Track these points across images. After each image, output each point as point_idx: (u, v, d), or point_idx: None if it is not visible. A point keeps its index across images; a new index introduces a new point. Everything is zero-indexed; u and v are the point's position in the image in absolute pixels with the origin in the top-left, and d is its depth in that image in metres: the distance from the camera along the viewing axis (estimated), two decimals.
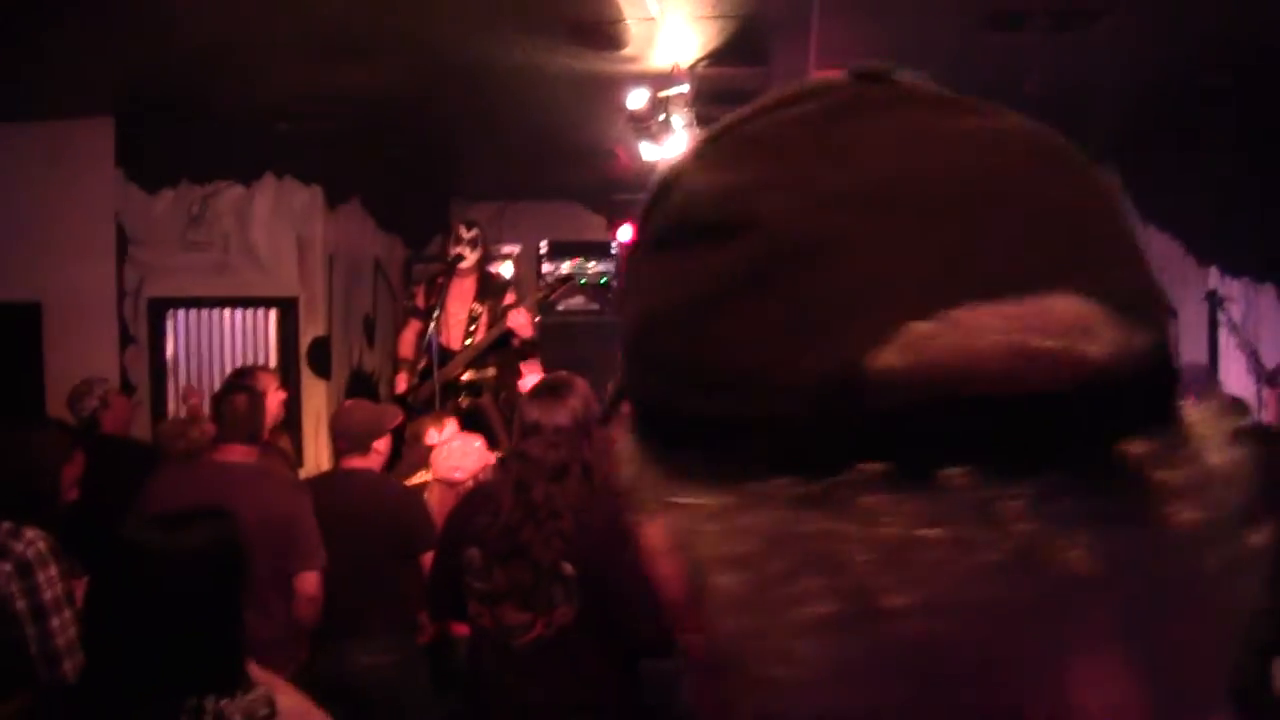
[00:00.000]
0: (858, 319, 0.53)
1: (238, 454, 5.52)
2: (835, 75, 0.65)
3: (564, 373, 4.48)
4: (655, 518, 0.61)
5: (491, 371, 9.30)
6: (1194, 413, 0.60)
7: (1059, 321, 0.53)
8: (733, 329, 0.57)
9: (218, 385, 9.34)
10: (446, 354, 9.34)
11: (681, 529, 0.59)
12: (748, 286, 0.57)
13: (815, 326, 0.54)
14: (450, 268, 9.33)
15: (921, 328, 0.52)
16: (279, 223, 9.68)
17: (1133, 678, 0.54)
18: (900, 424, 0.52)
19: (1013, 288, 0.53)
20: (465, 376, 9.22)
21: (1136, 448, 0.53)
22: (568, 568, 4.11)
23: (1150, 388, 0.56)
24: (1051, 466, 0.52)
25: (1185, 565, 0.55)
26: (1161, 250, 9.96)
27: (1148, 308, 0.57)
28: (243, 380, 6.94)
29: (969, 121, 0.62)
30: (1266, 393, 7.57)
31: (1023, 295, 0.53)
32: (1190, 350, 9.24)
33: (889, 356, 0.52)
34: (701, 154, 0.65)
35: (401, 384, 9.30)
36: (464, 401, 9.17)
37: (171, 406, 9.32)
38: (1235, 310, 8.25)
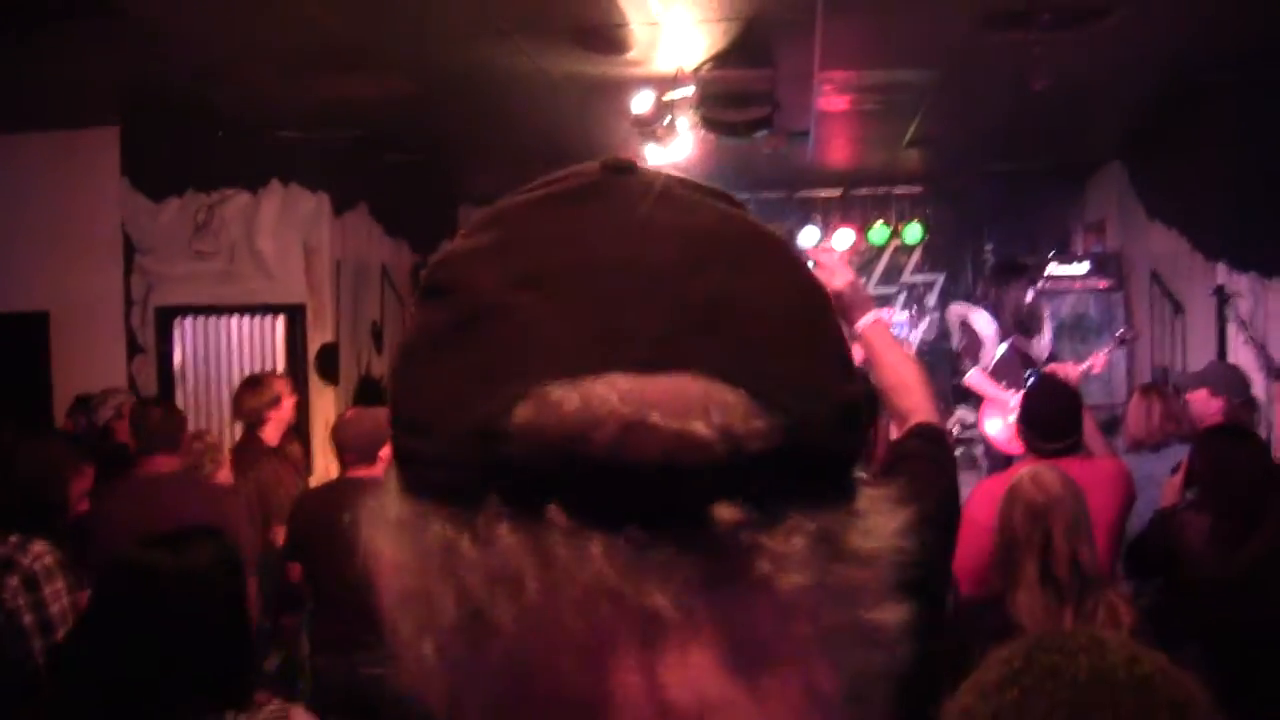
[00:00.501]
0: (509, 379, 0.62)
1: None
2: (590, 165, 0.75)
3: None
4: (374, 522, 0.71)
5: None
6: (869, 496, 0.69)
7: (676, 399, 0.61)
8: (423, 377, 0.67)
9: (225, 393, 9.39)
10: None
11: (381, 533, 0.69)
12: (440, 342, 0.67)
13: (477, 382, 0.63)
14: None
15: (554, 392, 0.61)
16: (285, 230, 9.67)
17: (720, 713, 0.62)
18: (525, 471, 0.61)
19: (648, 366, 0.62)
20: None
21: (728, 514, 0.61)
22: None
23: (780, 466, 0.62)
24: (647, 523, 0.60)
25: (782, 624, 0.63)
26: (1168, 247, 9.95)
27: (795, 397, 0.64)
28: (255, 382, 6.98)
29: (670, 218, 0.70)
30: (1275, 388, 7.55)
31: (655, 373, 0.61)
32: (1198, 346, 9.21)
33: (523, 413, 0.61)
34: (471, 220, 0.76)
35: None
36: None
37: None
38: (1243, 306, 8.23)
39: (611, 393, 0.61)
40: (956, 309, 9.93)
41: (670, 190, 0.72)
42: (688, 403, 0.61)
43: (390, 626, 0.69)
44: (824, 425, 0.65)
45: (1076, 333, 10.94)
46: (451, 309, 0.68)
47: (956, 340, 9.59)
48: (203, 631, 2.59)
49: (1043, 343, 9.24)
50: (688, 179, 0.75)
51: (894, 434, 3.31)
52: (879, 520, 0.68)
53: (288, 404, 6.98)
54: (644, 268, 0.66)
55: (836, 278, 3.31)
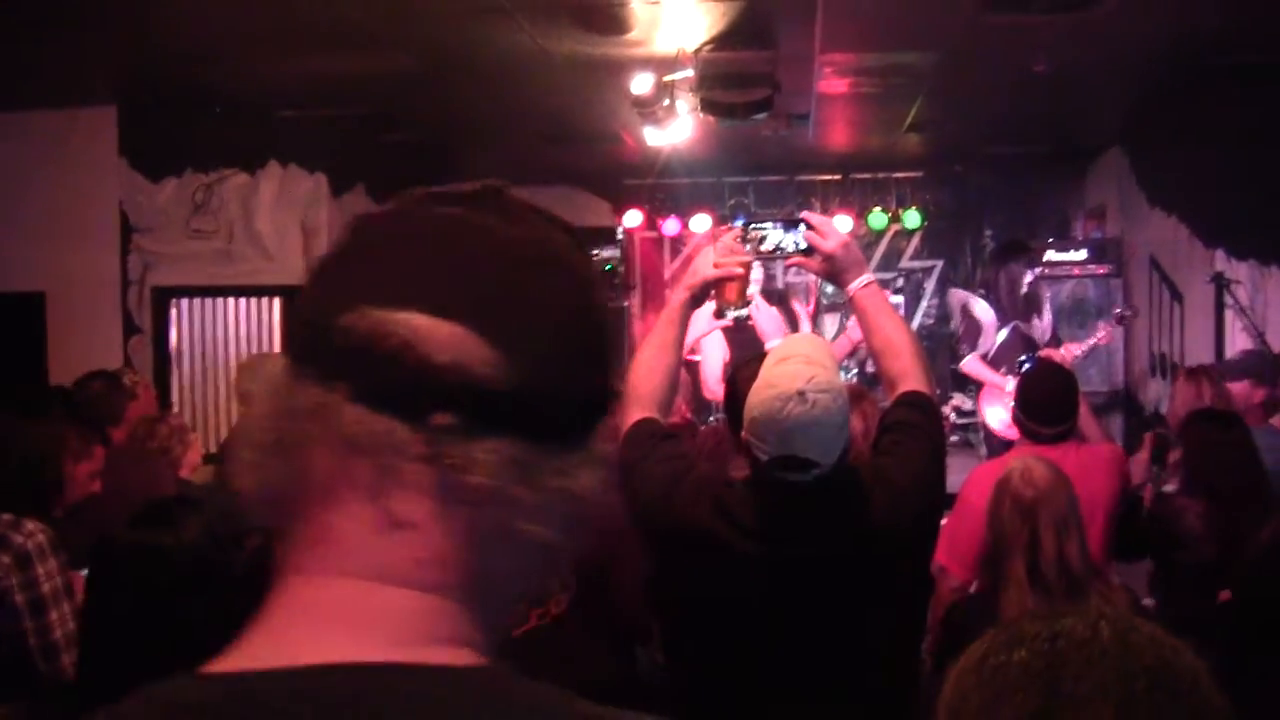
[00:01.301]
0: (348, 295, 0.98)
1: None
2: (476, 184, 1.10)
3: None
4: (261, 366, 1.15)
5: None
6: (586, 454, 1.04)
7: (441, 337, 0.96)
8: (313, 278, 1.04)
9: (223, 374, 9.38)
10: None
11: (260, 374, 1.23)
12: (333, 257, 1.05)
13: (334, 290, 1.00)
14: None
15: (369, 310, 0.96)
16: (283, 210, 9.66)
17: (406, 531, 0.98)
18: (334, 354, 0.96)
19: (436, 312, 0.97)
20: None
21: (443, 419, 0.95)
22: None
23: (501, 405, 0.97)
24: (394, 409, 0.95)
25: (460, 506, 0.98)
26: (1168, 233, 9.93)
27: (532, 365, 0.98)
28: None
29: (503, 227, 1.05)
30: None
31: (438, 317, 0.96)
32: (1197, 333, 9.20)
33: (346, 319, 0.96)
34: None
35: None
36: None
37: (176, 396, 9.32)
38: (1242, 293, 8.21)
39: (400, 321, 0.95)
40: (958, 294, 9.93)
41: (515, 210, 1.07)
42: (445, 342, 0.95)
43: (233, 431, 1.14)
44: (550, 394, 1.00)
45: (1075, 318, 10.93)
46: (348, 238, 1.06)
47: (957, 325, 9.58)
48: (194, 609, 2.57)
49: (1043, 325, 9.23)
50: (545, 210, 1.11)
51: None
52: (580, 472, 1.02)
53: None
54: (464, 248, 1.02)
55: (829, 240, 3.30)
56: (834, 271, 3.33)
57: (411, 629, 0.96)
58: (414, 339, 0.94)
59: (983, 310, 9.20)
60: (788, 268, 7.23)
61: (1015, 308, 9.06)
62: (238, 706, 0.91)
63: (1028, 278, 9.13)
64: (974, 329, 9.12)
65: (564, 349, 1.02)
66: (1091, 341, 8.96)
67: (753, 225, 3.43)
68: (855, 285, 3.30)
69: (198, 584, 2.60)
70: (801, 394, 2.80)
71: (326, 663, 0.91)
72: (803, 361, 2.89)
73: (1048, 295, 9.77)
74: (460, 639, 0.98)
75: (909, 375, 3.22)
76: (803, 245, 3.36)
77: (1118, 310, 9.86)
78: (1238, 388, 6.68)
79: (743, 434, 2.98)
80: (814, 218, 3.36)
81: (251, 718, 0.90)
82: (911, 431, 3.12)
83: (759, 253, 3.42)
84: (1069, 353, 8.44)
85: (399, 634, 0.95)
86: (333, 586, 0.96)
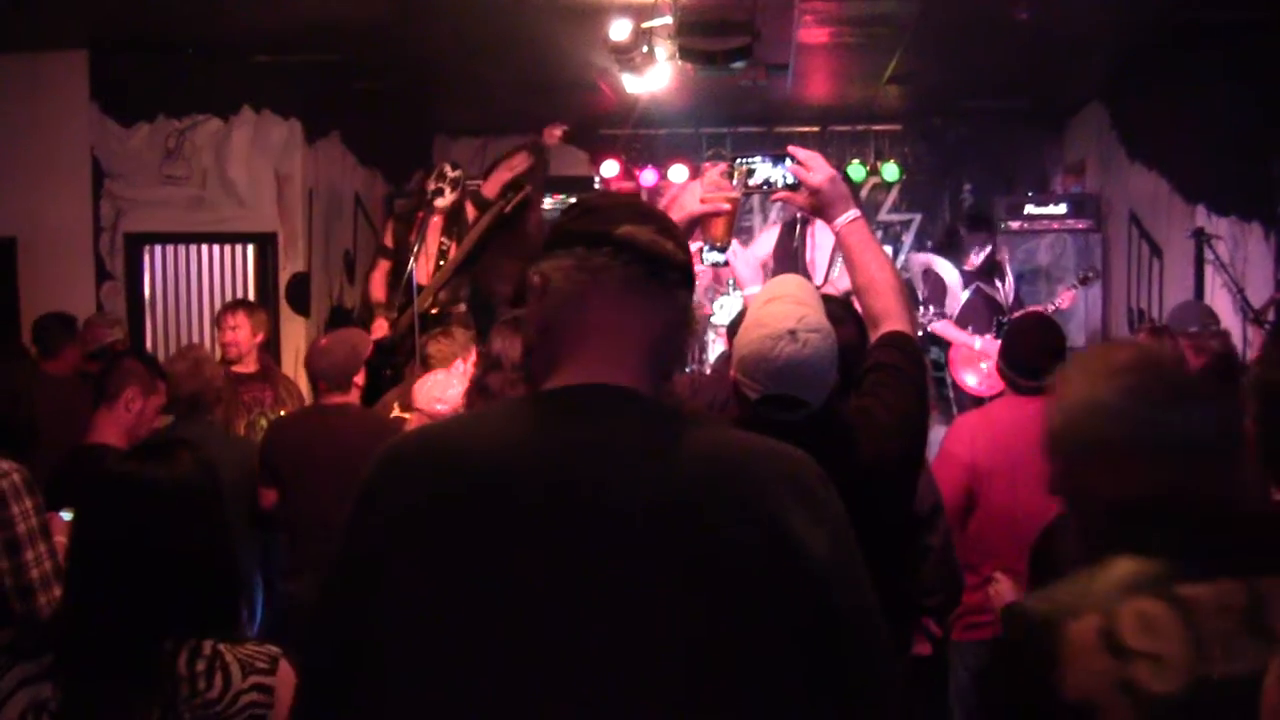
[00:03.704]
0: (609, 221, 1.96)
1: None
2: None
3: None
4: None
5: (462, 307, 9.15)
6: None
7: (655, 237, 1.93)
8: (581, 216, 2.01)
9: (196, 321, 9.33)
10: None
11: None
12: (588, 207, 2.04)
13: (603, 220, 1.96)
14: (428, 205, 9.10)
15: (624, 227, 1.92)
16: (257, 157, 9.57)
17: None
18: (616, 244, 1.91)
19: (644, 226, 1.95)
20: (434, 312, 9.03)
21: (666, 275, 1.91)
22: None
23: (685, 269, 1.98)
24: (645, 266, 1.89)
25: (663, 309, 1.92)
26: (1148, 189, 9.92)
27: (685, 253, 1.98)
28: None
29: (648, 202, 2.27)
30: (1253, 331, 7.53)
31: (646, 228, 1.94)
32: (1176, 289, 9.21)
33: (620, 231, 1.92)
34: None
35: (380, 329, 8.94)
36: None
37: (149, 343, 9.25)
38: (1222, 248, 8.20)
39: (640, 231, 1.91)
40: (919, 258, 10.04)
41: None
42: (660, 240, 1.91)
43: None
44: (688, 270, 1.94)
45: (1056, 272, 10.95)
46: (581, 203, 2.07)
47: (920, 290, 9.65)
48: (178, 548, 2.53)
49: (1005, 289, 9.38)
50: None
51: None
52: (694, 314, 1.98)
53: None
54: (647, 206, 2.13)
55: (815, 174, 3.27)
56: (820, 206, 3.30)
57: (632, 371, 1.85)
58: (649, 239, 1.87)
59: (947, 271, 9.33)
60: (773, 202, 7.13)
61: (977, 271, 9.24)
62: (560, 396, 1.84)
63: (988, 249, 9.33)
64: (939, 290, 9.24)
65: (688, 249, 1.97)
66: (1052, 307, 9.09)
67: (740, 160, 3.41)
68: (841, 220, 3.27)
69: (188, 517, 2.57)
70: (793, 333, 2.79)
71: (591, 382, 1.82)
72: (792, 301, 2.87)
73: (1009, 260, 9.92)
74: (645, 382, 1.86)
75: (891, 315, 3.20)
76: (790, 180, 3.33)
77: (1081, 273, 9.95)
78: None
79: (732, 373, 2.95)
80: (800, 152, 3.32)
81: (566, 401, 1.84)
82: (894, 372, 3.11)
83: (746, 187, 3.39)
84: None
85: (625, 372, 1.84)
86: (596, 348, 1.85)
